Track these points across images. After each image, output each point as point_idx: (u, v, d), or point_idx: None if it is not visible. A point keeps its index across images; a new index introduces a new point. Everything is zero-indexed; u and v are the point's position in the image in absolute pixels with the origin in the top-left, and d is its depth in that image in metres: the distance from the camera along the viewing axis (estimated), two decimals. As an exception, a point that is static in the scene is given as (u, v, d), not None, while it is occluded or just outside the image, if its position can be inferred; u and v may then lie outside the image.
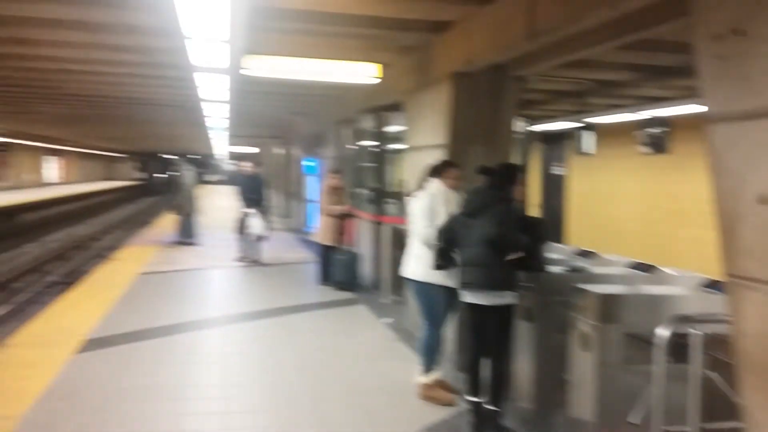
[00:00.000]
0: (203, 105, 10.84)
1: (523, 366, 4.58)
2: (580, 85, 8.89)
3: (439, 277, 4.69)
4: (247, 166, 11.68)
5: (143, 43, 7.36)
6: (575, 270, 4.73)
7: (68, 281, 12.47)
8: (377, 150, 9.04)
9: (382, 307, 7.98)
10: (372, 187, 9.41)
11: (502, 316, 4.23)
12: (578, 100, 9.88)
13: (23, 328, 6.53)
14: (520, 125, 10.69)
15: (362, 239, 9.57)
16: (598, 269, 4.79)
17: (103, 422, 4.27)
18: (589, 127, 11.07)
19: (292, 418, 4.47)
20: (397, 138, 8.36)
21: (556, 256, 5.20)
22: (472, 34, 5.58)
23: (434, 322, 4.86)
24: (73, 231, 23.28)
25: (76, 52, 8.32)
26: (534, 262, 4.24)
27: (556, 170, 14.65)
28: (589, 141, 11.15)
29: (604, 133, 11.40)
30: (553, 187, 14.66)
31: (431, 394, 4.82)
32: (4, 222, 21.09)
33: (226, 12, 4.00)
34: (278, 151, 23.86)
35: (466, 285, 4.26)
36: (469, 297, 4.29)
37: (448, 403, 4.73)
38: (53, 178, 42.13)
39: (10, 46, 7.90)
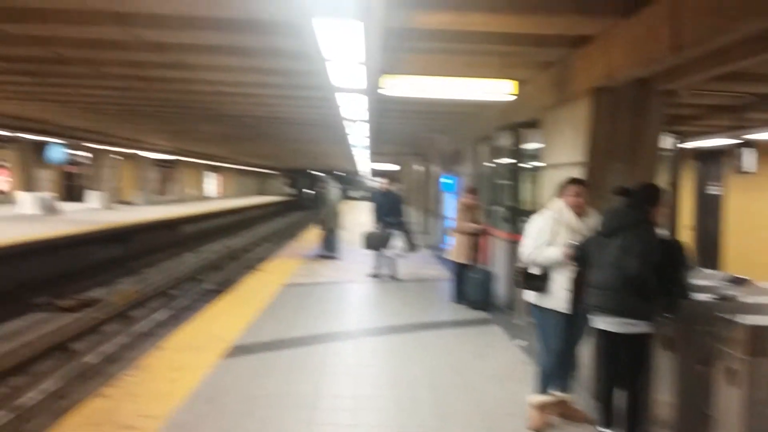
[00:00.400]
0: (345, 123, 11.27)
1: (660, 398, 4.28)
2: (738, 98, 8.25)
3: (551, 302, 4.54)
4: (383, 183, 11.87)
5: (289, 66, 7.80)
6: (724, 298, 4.36)
7: (220, 290, 13.34)
8: (513, 167, 8.89)
9: (516, 328, 7.81)
10: (507, 206, 9.26)
11: (636, 345, 3.99)
12: (737, 115, 9.16)
13: (176, 333, 7.06)
14: (668, 142, 10.08)
15: (497, 258, 9.44)
16: (750, 298, 4.38)
17: (241, 427, 4.51)
18: (749, 143, 10.21)
19: (418, 435, 4.48)
20: (534, 155, 8.19)
21: (704, 282, 4.82)
22: (612, 48, 5.37)
23: (546, 346, 4.71)
24: (228, 242, 24.92)
25: (230, 76, 8.98)
26: (676, 289, 3.96)
27: (712, 190, 13.63)
28: (749, 159, 10.27)
29: (768, 150, 10.48)
30: (708, 208, 13.64)
31: (529, 414, 4.69)
32: (168, 233, 23.01)
33: (360, 35, 4.14)
34: (418, 167, 24.18)
35: (596, 308, 4.07)
36: (600, 323, 4.10)
37: (536, 429, 4.58)
38: (212, 192, 45.37)
39: (173, 70, 8.68)
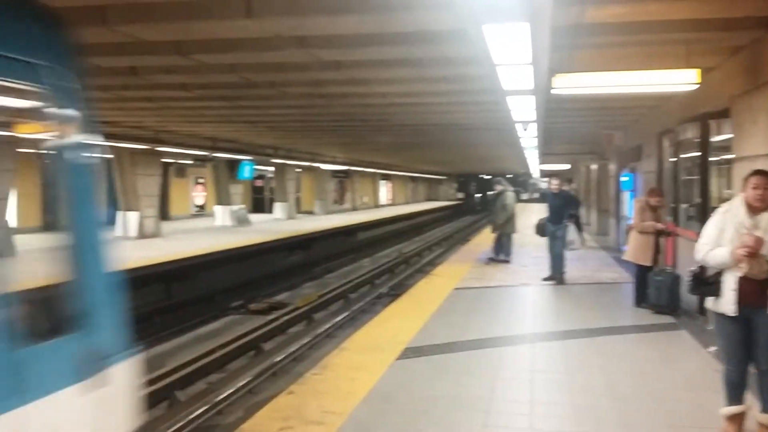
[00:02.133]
0: (517, 126, 11.15)
1: None
2: None
3: (721, 305, 4.18)
4: (554, 184, 11.50)
5: (459, 73, 7.88)
6: None
7: (394, 293, 13.74)
8: (701, 161, 8.23)
9: (708, 335, 7.24)
10: (695, 203, 8.61)
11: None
12: None
13: (356, 335, 7.39)
14: None
15: (684, 259, 8.79)
16: None
17: (416, 426, 4.61)
18: None
19: (600, 444, 4.31)
20: (724, 147, 7.55)
21: None
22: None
23: (723, 353, 4.41)
24: (400, 248, 25.56)
25: (402, 87, 9.25)
26: None
27: None
28: None
29: None
30: None
31: (723, 427, 4.35)
32: (345, 240, 24.11)
33: (528, 37, 4.09)
34: (592, 166, 23.22)
35: None
36: None
37: None
38: (384, 200, 46.82)
39: (348, 86, 9.11)
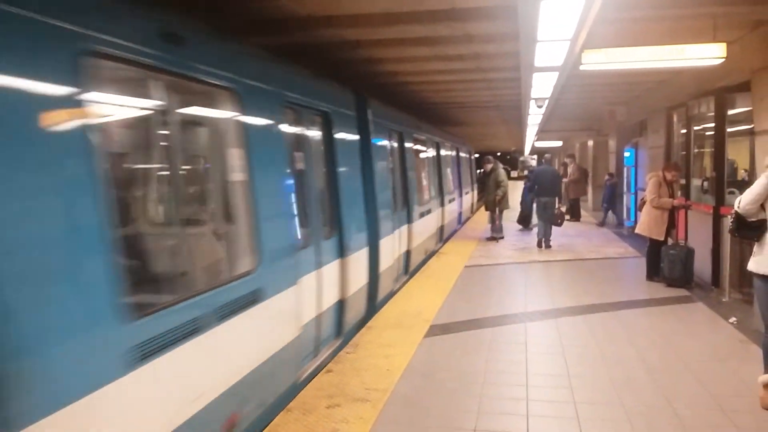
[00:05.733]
0: (530, 103, 11.11)
1: None
2: None
3: (764, 267, 4.33)
4: (532, 160, 11.80)
5: (476, 50, 7.81)
6: None
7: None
8: (717, 135, 8.26)
9: (724, 306, 7.41)
10: (708, 176, 8.68)
11: None
12: None
13: (379, 313, 7.40)
14: None
15: (696, 232, 8.90)
16: None
17: (459, 401, 4.68)
18: None
19: (645, 413, 4.39)
20: (740, 121, 7.61)
21: None
22: None
23: (763, 318, 4.52)
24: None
25: (415, 66, 9.16)
26: None
27: None
28: None
29: None
30: None
31: (761, 394, 4.49)
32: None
33: (577, 11, 4.08)
34: (588, 142, 23.27)
35: None
36: None
37: None
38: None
39: (363, 65, 8.99)
